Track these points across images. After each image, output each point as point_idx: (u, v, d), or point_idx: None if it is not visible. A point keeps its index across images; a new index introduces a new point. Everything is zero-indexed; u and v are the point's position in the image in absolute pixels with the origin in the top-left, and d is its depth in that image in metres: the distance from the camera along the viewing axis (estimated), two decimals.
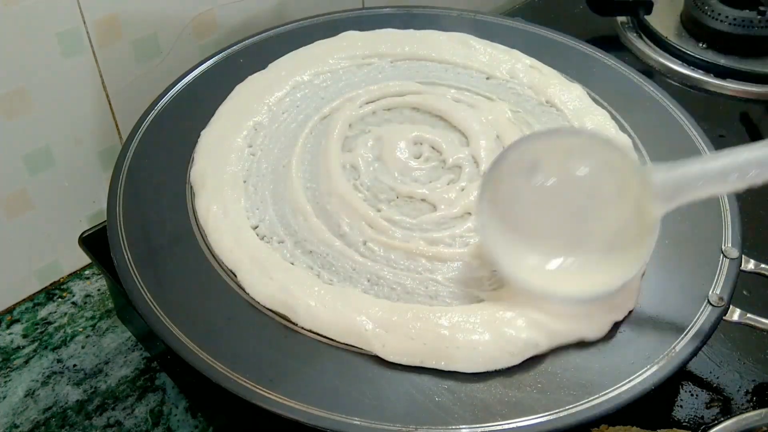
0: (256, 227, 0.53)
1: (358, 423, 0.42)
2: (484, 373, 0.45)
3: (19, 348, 0.62)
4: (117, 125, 0.66)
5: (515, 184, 0.46)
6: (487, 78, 0.65)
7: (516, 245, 0.46)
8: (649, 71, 0.83)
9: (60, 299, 0.66)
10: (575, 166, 0.45)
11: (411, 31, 0.69)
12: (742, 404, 0.53)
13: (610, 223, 0.45)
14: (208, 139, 0.58)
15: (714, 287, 0.49)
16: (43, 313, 0.65)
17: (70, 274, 0.68)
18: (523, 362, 0.46)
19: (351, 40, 0.67)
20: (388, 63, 0.66)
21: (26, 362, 0.61)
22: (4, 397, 0.58)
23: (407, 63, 0.66)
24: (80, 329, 0.63)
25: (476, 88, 0.64)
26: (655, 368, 0.45)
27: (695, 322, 0.47)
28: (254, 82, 0.63)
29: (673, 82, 0.82)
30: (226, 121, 0.59)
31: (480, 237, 0.46)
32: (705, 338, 0.47)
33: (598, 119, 0.60)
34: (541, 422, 0.42)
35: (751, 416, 0.45)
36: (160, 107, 0.59)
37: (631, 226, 0.44)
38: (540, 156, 0.45)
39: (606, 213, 0.45)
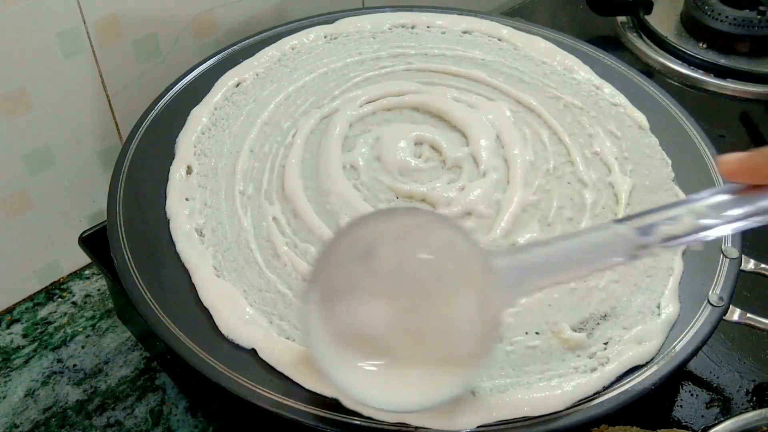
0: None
1: (358, 423, 0.42)
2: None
3: (19, 348, 0.62)
4: (117, 125, 0.66)
5: (348, 273, 0.39)
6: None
7: (348, 349, 0.39)
8: (649, 71, 0.83)
9: (60, 299, 0.66)
10: (412, 248, 0.38)
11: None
12: (742, 404, 0.53)
13: (452, 319, 0.39)
14: None
15: (714, 287, 0.49)
16: (43, 313, 0.65)
17: (70, 274, 0.68)
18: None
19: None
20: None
21: (26, 362, 0.61)
22: (4, 397, 0.58)
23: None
24: (80, 329, 0.63)
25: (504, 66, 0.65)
26: (655, 368, 0.45)
27: (695, 322, 0.47)
28: None
29: (673, 82, 0.82)
30: None
31: (305, 342, 0.41)
32: (705, 338, 0.47)
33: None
34: (541, 421, 0.42)
35: (751, 416, 0.45)
36: (160, 107, 0.59)
37: (476, 323, 0.38)
38: (375, 238, 0.39)
39: (448, 306, 0.39)
